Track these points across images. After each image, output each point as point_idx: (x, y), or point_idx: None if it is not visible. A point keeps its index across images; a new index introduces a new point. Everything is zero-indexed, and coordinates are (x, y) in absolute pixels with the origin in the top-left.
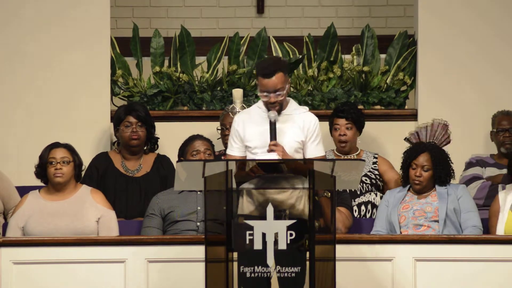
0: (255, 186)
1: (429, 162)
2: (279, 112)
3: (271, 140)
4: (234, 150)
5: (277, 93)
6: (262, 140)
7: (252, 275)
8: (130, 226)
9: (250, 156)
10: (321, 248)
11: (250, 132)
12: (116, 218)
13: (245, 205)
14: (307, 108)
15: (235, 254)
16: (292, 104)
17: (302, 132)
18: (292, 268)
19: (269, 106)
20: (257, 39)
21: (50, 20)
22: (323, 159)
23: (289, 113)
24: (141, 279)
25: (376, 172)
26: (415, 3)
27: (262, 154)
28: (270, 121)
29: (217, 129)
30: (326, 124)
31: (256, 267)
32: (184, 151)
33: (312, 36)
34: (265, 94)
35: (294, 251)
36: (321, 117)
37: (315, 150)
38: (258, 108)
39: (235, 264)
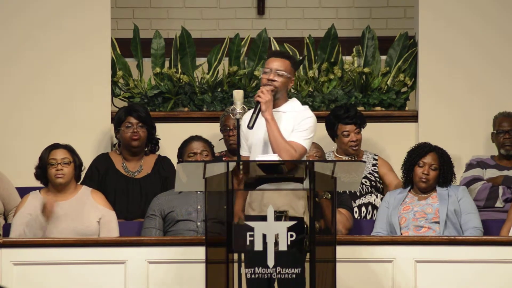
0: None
1: (437, 162)
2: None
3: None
4: (243, 150)
5: (277, 72)
6: (255, 137)
7: (253, 276)
8: (131, 227)
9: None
10: (321, 250)
11: (247, 130)
12: (116, 219)
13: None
14: (307, 107)
15: (236, 255)
16: (293, 102)
17: (292, 126)
18: (293, 269)
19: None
20: (258, 41)
21: (51, 21)
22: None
23: (284, 111)
24: (142, 280)
25: (376, 174)
26: (415, 4)
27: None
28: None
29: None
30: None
31: (256, 269)
32: (182, 153)
33: (312, 37)
34: (266, 70)
35: (294, 252)
36: (321, 118)
37: (294, 137)
38: None
39: (235, 265)
